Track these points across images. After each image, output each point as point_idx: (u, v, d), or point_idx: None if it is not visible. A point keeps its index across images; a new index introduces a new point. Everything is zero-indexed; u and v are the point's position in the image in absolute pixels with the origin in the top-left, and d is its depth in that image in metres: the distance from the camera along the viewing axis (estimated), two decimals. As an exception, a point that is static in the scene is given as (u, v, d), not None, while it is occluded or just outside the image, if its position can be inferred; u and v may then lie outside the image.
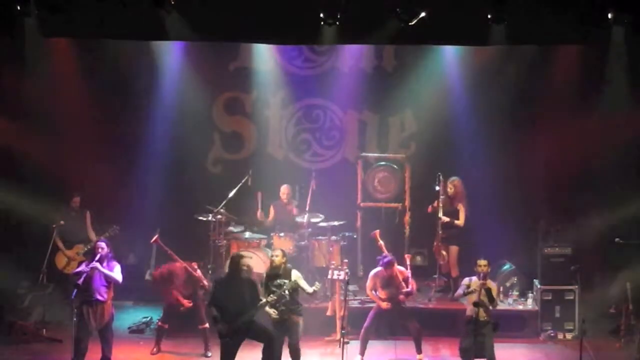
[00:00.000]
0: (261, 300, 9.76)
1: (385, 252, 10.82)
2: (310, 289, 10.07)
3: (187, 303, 10.93)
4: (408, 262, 11.02)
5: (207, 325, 10.82)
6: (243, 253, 12.11)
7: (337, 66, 13.87)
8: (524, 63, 13.04)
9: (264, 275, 10.14)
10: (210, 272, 12.09)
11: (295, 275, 10.05)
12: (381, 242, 11.03)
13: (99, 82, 13.33)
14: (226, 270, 10.03)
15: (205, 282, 11.05)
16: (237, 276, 9.77)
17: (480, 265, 10.13)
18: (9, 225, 12.73)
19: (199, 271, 11.12)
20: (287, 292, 9.83)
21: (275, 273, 9.98)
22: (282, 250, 10.22)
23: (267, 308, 9.83)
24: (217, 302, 9.70)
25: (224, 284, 9.81)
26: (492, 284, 10.25)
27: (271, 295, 9.84)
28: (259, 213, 12.91)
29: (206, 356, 10.95)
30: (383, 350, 11.08)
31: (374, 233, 11.19)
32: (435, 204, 12.30)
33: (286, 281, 9.90)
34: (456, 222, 12.33)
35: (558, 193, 13.15)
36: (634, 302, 11.41)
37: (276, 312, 9.84)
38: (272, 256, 10.07)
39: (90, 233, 12.55)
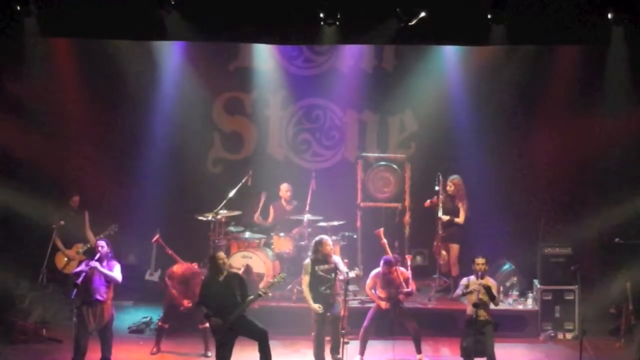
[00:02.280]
0: (250, 295, 9.78)
1: (389, 252, 10.85)
2: (344, 274, 10.39)
3: (186, 303, 10.93)
4: (409, 263, 11.02)
5: (207, 325, 10.81)
6: (243, 253, 12.29)
7: (337, 66, 13.86)
8: (524, 63, 13.04)
9: (309, 262, 10.46)
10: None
11: (335, 258, 10.54)
12: (384, 241, 11.03)
13: (99, 82, 13.33)
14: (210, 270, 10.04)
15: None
16: (221, 274, 9.76)
17: (478, 264, 10.12)
18: (9, 225, 12.73)
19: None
20: (332, 275, 10.39)
21: (322, 259, 10.40)
22: (330, 240, 10.63)
23: (311, 303, 10.34)
24: (206, 301, 9.73)
25: (210, 283, 9.82)
26: (491, 282, 10.25)
27: (261, 290, 9.92)
28: (256, 216, 12.94)
29: (206, 356, 10.95)
30: (382, 350, 11.07)
31: (378, 231, 11.20)
32: (435, 199, 12.30)
33: (332, 266, 10.40)
34: (456, 220, 12.35)
35: (558, 193, 13.16)
36: (634, 302, 11.40)
37: (320, 304, 10.30)
38: (327, 245, 10.42)
39: (88, 233, 12.54)
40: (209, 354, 10.87)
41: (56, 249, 12.36)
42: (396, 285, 10.55)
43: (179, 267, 11.08)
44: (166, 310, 11.18)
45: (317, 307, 10.29)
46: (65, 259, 12.40)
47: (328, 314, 10.35)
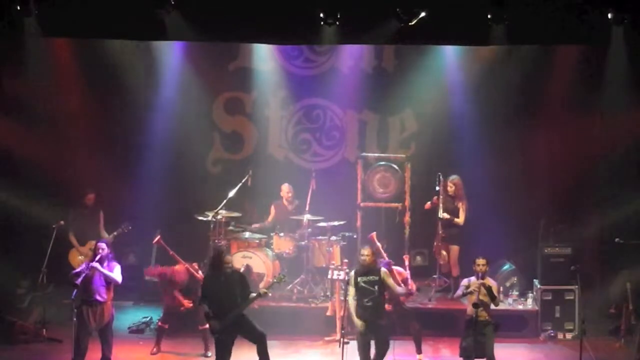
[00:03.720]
0: (252, 293, 9.75)
1: (384, 255, 10.80)
2: (401, 290, 10.05)
3: (187, 303, 10.93)
4: (407, 263, 11.00)
5: (207, 326, 10.81)
6: (243, 253, 12.29)
7: (337, 66, 13.86)
8: (524, 63, 13.03)
9: (353, 273, 9.96)
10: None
11: (383, 271, 9.97)
12: (379, 245, 11.01)
13: (99, 82, 13.33)
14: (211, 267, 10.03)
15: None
16: (223, 271, 9.74)
17: (478, 265, 10.09)
18: (9, 225, 12.73)
19: (200, 272, 11.11)
20: (375, 287, 9.76)
21: (365, 270, 9.88)
22: (370, 248, 10.14)
23: (354, 318, 9.76)
24: (207, 299, 9.72)
25: (212, 280, 9.81)
26: (491, 282, 10.22)
27: (261, 289, 9.86)
28: (254, 226, 12.93)
29: (206, 356, 10.95)
30: (383, 350, 11.07)
31: (370, 235, 11.18)
32: (435, 200, 12.30)
33: (377, 278, 9.82)
34: (456, 220, 12.34)
35: (558, 193, 13.14)
36: (634, 302, 11.40)
37: (363, 320, 9.72)
38: (361, 255, 9.94)
39: (102, 232, 12.56)
40: (209, 354, 10.87)
41: (70, 247, 12.38)
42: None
43: (179, 268, 11.08)
44: (166, 311, 11.18)
45: (359, 323, 9.72)
46: (80, 256, 12.40)
47: (372, 328, 9.77)
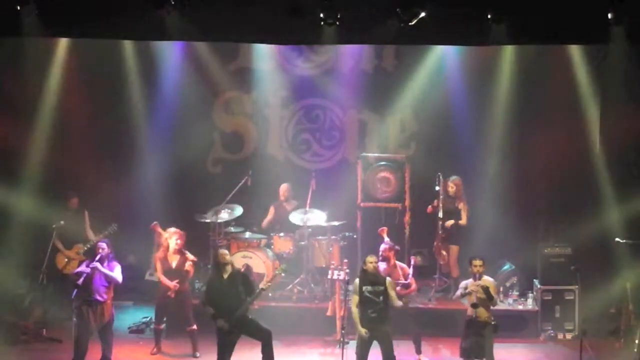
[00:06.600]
0: (256, 291, 9.76)
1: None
2: (398, 302, 9.90)
3: (172, 286, 10.86)
4: (413, 263, 11.01)
5: (194, 327, 10.87)
6: (243, 253, 12.29)
7: (337, 66, 13.87)
8: (524, 63, 13.04)
9: (357, 281, 9.82)
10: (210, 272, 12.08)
11: (388, 281, 9.86)
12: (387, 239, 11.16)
13: (99, 82, 13.33)
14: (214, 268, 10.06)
15: (194, 258, 11.09)
16: (225, 272, 9.76)
17: (475, 265, 10.05)
18: (9, 225, 12.72)
19: (191, 255, 11.09)
20: (381, 298, 9.66)
21: (370, 279, 9.74)
22: (375, 256, 10.04)
23: (358, 327, 9.65)
24: (210, 301, 9.73)
25: (215, 283, 9.82)
26: (490, 281, 10.19)
27: (263, 284, 9.83)
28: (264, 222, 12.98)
29: (194, 357, 10.94)
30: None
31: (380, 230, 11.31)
32: (435, 203, 12.31)
33: (382, 288, 9.71)
34: (460, 222, 12.34)
35: (558, 193, 13.15)
36: (634, 302, 11.40)
37: (366, 329, 9.63)
38: (367, 262, 9.78)
39: (88, 233, 12.53)
40: (198, 354, 10.89)
41: (56, 250, 12.36)
42: (396, 279, 10.54)
43: (173, 232, 11.12)
44: (157, 311, 11.16)
45: (363, 331, 9.60)
46: (66, 259, 12.38)
47: (376, 335, 9.70)
